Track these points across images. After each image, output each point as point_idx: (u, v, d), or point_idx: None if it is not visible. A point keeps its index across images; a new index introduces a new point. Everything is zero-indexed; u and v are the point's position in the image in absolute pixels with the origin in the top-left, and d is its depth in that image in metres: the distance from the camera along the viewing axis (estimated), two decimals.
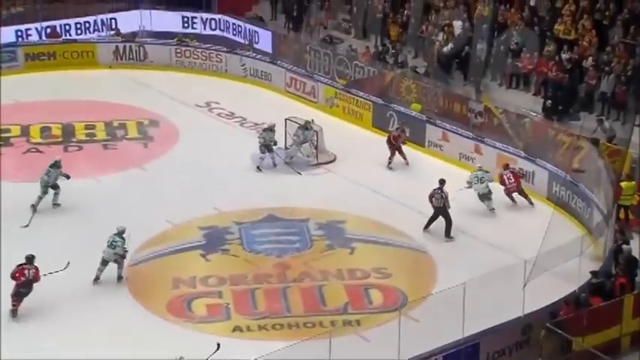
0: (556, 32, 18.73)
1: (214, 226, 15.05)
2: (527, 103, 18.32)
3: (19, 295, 12.29)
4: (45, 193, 15.21)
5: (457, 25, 20.18)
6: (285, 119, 18.07)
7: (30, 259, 12.48)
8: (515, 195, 15.76)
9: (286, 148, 17.93)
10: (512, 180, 15.70)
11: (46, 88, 20.95)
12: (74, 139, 18.56)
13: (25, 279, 12.27)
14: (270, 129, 17.25)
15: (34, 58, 22.44)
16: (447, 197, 14.63)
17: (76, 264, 13.18)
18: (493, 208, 15.51)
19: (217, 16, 24.21)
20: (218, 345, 10.43)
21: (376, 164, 17.48)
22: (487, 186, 15.50)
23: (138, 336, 12.02)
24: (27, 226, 14.68)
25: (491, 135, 17.39)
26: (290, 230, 15.04)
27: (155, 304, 12.84)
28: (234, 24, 23.82)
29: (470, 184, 15.52)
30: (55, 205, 15.38)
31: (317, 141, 17.64)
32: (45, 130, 18.84)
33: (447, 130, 17.88)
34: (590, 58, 17.81)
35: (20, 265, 12.37)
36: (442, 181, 14.79)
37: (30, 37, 22.97)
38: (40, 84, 21.28)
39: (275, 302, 13.01)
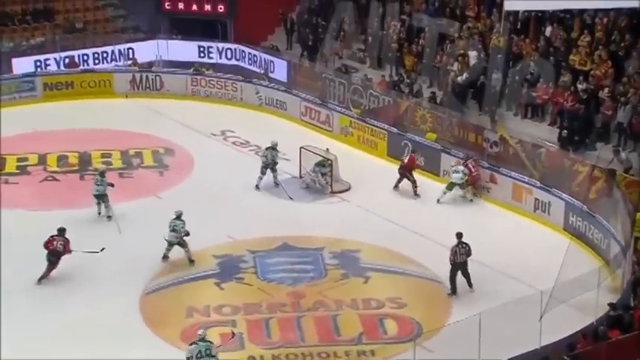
0: (571, 63, 18.81)
1: (228, 254, 15.12)
2: (543, 133, 18.34)
3: (49, 262, 13.75)
4: (99, 204, 16.06)
5: (472, 55, 20.33)
6: (300, 148, 18.21)
7: (61, 231, 13.98)
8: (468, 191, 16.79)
9: (300, 176, 18.05)
10: (475, 169, 16.95)
11: (63, 117, 21.25)
12: (91, 168, 18.76)
13: (52, 248, 13.67)
14: (273, 147, 17.44)
15: (52, 88, 22.82)
16: (469, 251, 13.86)
17: (91, 288, 13.28)
18: (471, 200, 16.90)
19: (233, 46, 24.54)
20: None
21: (391, 193, 17.54)
22: (462, 177, 16.82)
23: None
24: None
25: (507, 165, 17.42)
26: (304, 259, 15.07)
27: (169, 333, 12.87)
28: (249, 53, 24.14)
29: (444, 193, 16.89)
30: (109, 217, 16.02)
31: (332, 170, 17.74)
32: (62, 159, 19.09)
33: (462, 159, 17.92)
34: (607, 89, 17.85)
35: (52, 235, 13.82)
36: (460, 235, 13.99)
37: (49, 67, 23.37)
38: (57, 113, 21.59)
39: (289, 332, 13.01)
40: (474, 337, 11.09)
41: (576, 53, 18.83)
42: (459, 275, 13.89)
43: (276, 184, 17.39)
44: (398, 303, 13.74)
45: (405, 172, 17.45)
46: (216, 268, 14.69)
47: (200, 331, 11.62)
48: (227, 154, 19.64)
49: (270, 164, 17.44)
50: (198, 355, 11.23)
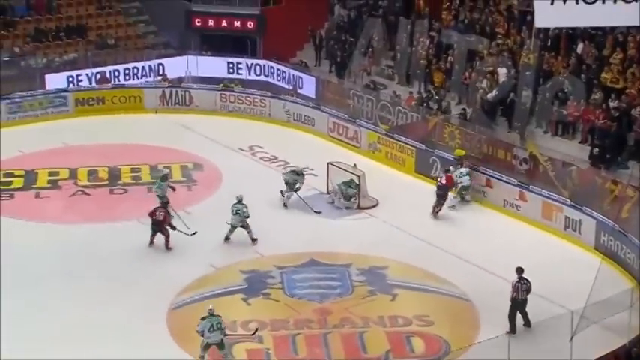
0: (603, 80, 18.69)
1: (256, 270, 15.20)
2: (574, 151, 18.21)
3: (152, 230, 15.60)
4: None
5: (502, 72, 20.28)
6: (328, 164, 18.29)
7: (164, 204, 16.04)
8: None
9: (328, 192, 18.12)
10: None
11: (94, 132, 21.59)
12: (120, 182, 19.04)
13: (154, 218, 15.55)
14: (297, 173, 17.60)
15: (83, 103, 23.20)
16: (529, 287, 13.13)
17: (116, 305, 13.44)
18: (469, 200, 17.53)
19: (262, 62, 24.76)
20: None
21: (418, 210, 17.51)
22: (469, 178, 17.42)
23: None
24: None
25: (536, 182, 17.32)
26: (331, 275, 15.09)
27: (196, 348, 12.90)
28: (278, 69, 24.36)
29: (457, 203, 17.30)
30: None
31: (359, 186, 17.79)
32: (92, 173, 19.36)
33: (491, 176, 17.86)
34: (639, 107, 17.69)
35: (156, 207, 15.79)
36: (521, 270, 13.23)
37: (80, 83, 23.78)
38: (88, 128, 21.95)
39: (316, 348, 13.03)
40: (503, 357, 11.00)
41: (608, 71, 18.71)
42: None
43: (285, 205, 17.39)
44: (425, 321, 13.70)
45: (445, 192, 17.30)
46: (243, 284, 14.77)
47: (210, 306, 12.42)
48: (255, 169, 19.79)
49: (288, 183, 17.36)
50: (210, 329, 12.11)
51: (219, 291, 14.54)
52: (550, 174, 17.47)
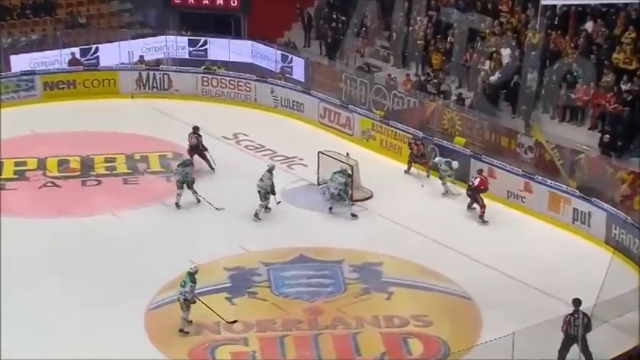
0: (614, 62, 18.74)
1: (241, 266, 15.18)
2: (583, 138, 18.28)
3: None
4: (181, 188, 17.13)
5: (505, 53, 20.31)
6: (318, 153, 18.27)
7: (196, 128, 18.68)
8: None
9: (318, 183, 18.11)
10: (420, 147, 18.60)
11: (64, 119, 21.50)
12: (93, 173, 18.96)
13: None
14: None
15: (52, 87, 23.10)
16: (588, 324, 12.00)
17: (89, 303, 13.38)
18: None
19: (247, 43, 24.71)
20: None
21: (416, 202, 17.55)
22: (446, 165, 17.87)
23: None
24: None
25: (543, 172, 17.37)
26: (322, 272, 15.10)
27: (176, 351, 12.94)
28: (264, 51, 24.29)
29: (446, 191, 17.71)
30: (198, 201, 17.31)
31: (352, 177, 17.77)
32: (63, 164, 19.28)
33: (494, 166, 17.88)
34: None
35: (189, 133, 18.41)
36: (578, 302, 12.14)
37: (49, 65, 23.63)
38: (58, 114, 21.86)
39: (305, 350, 13.03)
40: (507, 359, 11.03)
41: (620, 51, 18.76)
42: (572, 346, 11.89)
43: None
44: (423, 321, 13.72)
45: (475, 194, 17.23)
46: (227, 282, 14.75)
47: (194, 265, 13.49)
48: (240, 158, 19.75)
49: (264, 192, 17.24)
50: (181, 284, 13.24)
51: (202, 290, 14.45)
52: (557, 163, 17.53)
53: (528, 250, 15.66)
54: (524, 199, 17.28)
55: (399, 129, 19.74)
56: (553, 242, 16.09)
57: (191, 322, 13.37)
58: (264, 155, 19.92)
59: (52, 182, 18.57)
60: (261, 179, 16.78)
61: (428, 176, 18.55)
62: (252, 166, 18.54)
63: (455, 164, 17.80)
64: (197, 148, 18.73)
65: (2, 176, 18.68)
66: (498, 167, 17.82)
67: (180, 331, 13.32)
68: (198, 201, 17.23)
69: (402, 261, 15.41)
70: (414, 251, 15.61)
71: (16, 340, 12.76)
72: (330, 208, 17.23)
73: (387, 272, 15.10)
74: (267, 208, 16.86)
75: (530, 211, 17.17)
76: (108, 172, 19.05)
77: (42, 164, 19.23)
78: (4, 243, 15.49)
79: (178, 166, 17.51)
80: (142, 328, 13.44)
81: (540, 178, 17.15)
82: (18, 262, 14.99)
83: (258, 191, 16.75)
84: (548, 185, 16.96)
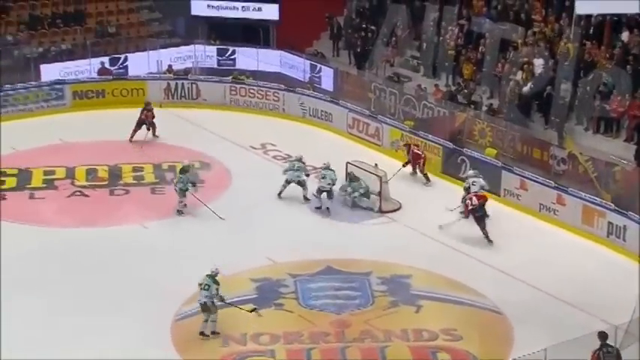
0: None
1: (268, 278, 15.23)
2: (618, 150, 18.12)
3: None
4: (184, 196, 17.42)
5: (538, 63, 20.22)
6: (347, 163, 18.30)
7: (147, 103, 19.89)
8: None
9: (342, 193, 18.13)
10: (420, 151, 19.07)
11: (93, 128, 21.72)
12: (121, 182, 19.14)
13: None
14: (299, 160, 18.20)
15: (82, 97, 23.36)
16: (618, 357, 11.67)
17: (116, 314, 13.51)
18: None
19: (275, 52, 24.85)
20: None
21: (446, 214, 17.45)
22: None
23: None
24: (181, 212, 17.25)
25: (576, 185, 17.22)
26: (350, 284, 15.08)
27: None
28: (293, 60, 24.39)
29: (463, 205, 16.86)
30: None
31: (380, 188, 17.77)
32: (91, 173, 19.47)
33: (526, 178, 17.78)
34: None
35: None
36: (604, 336, 11.76)
37: (79, 74, 23.91)
38: (87, 123, 22.09)
39: None
40: None
41: None
42: None
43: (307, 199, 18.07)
44: (453, 335, 13.65)
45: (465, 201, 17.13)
46: (254, 293, 14.79)
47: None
48: (267, 168, 19.82)
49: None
50: (202, 287, 13.41)
51: (228, 301, 14.56)
52: (591, 175, 17.38)
53: (561, 264, 15.51)
54: (556, 212, 17.15)
55: (429, 140, 19.69)
56: (587, 256, 15.94)
57: (218, 333, 13.42)
58: None
59: (80, 191, 18.77)
60: (296, 169, 17.78)
61: (426, 182, 18.73)
62: (280, 176, 18.60)
63: (486, 186, 17.08)
64: (144, 123, 20.63)
65: (31, 185, 18.94)
66: (530, 179, 17.72)
67: (201, 334, 13.38)
68: (185, 206, 17.39)
69: (430, 273, 15.36)
70: (444, 264, 15.55)
71: (37, 344, 12.89)
72: (328, 208, 17.40)
73: (416, 285, 15.06)
74: (306, 199, 17.79)
75: (562, 224, 17.04)
76: (135, 182, 19.22)
77: (70, 173, 19.44)
78: (33, 252, 15.68)
79: (180, 173, 17.60)
80: (168, 338, 13.52)
81: (574, 190, 17.02)
82: (44, 271, 15.16)
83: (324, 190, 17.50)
84: (581, 198, 16.82)
